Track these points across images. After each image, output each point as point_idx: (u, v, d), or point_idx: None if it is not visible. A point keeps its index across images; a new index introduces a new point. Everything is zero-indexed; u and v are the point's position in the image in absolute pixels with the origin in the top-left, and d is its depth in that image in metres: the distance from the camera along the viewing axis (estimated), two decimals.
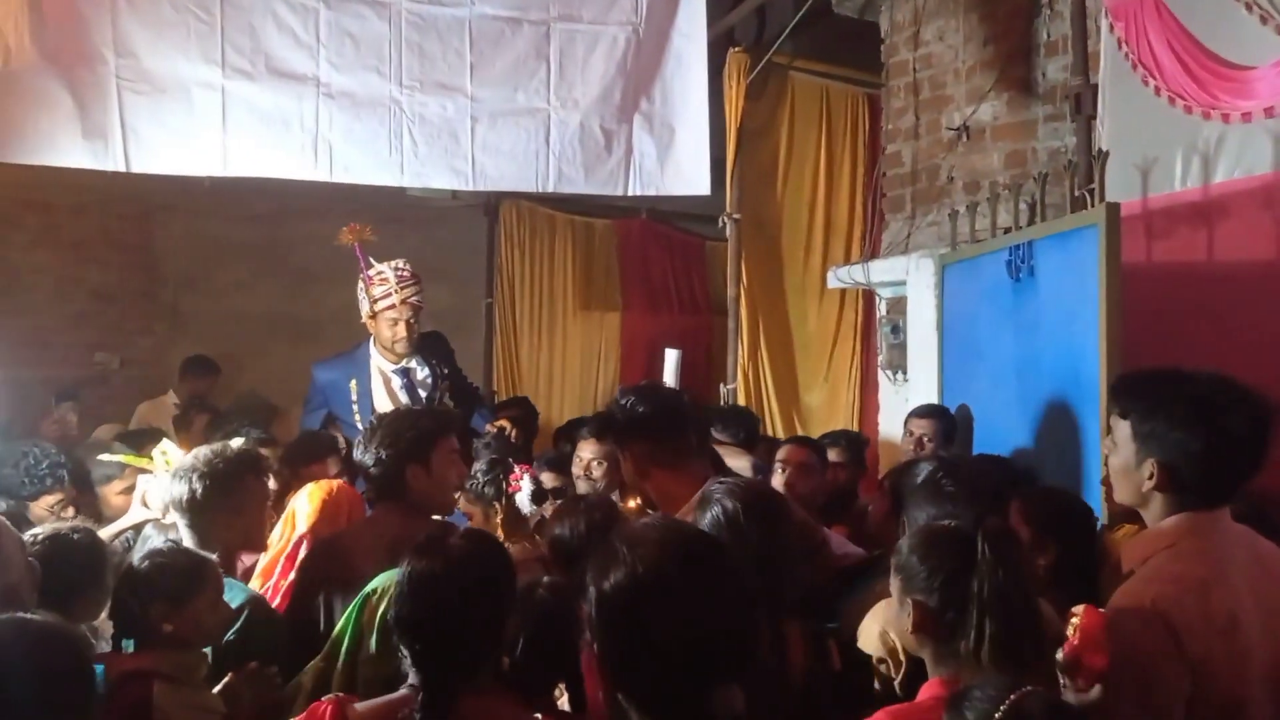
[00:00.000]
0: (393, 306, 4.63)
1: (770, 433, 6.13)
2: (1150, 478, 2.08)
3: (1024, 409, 4.23)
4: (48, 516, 3.68)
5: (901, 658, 2.44)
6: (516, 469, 3.90)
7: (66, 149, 4.05)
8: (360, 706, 1.95)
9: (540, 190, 4.83)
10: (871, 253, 6.07)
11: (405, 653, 1.97)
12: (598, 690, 2.31)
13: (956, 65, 5.70)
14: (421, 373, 4.78)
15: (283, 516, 3.52)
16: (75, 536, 2.61)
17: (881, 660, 2.53)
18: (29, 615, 1.82)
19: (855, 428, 6.05)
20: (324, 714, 1.95)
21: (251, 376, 7.74)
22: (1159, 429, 2.06)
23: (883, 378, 5.91)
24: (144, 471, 3.71)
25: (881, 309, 5.98)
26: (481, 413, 5.15)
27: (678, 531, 1.59)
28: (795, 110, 6.56)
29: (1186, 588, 1.98)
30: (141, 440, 4.28)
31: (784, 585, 2.41)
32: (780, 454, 4.10)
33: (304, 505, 3.48)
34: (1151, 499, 2.11)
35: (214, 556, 2.82)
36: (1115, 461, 2.18)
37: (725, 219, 5.93)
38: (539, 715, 2.08)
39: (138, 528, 3.60)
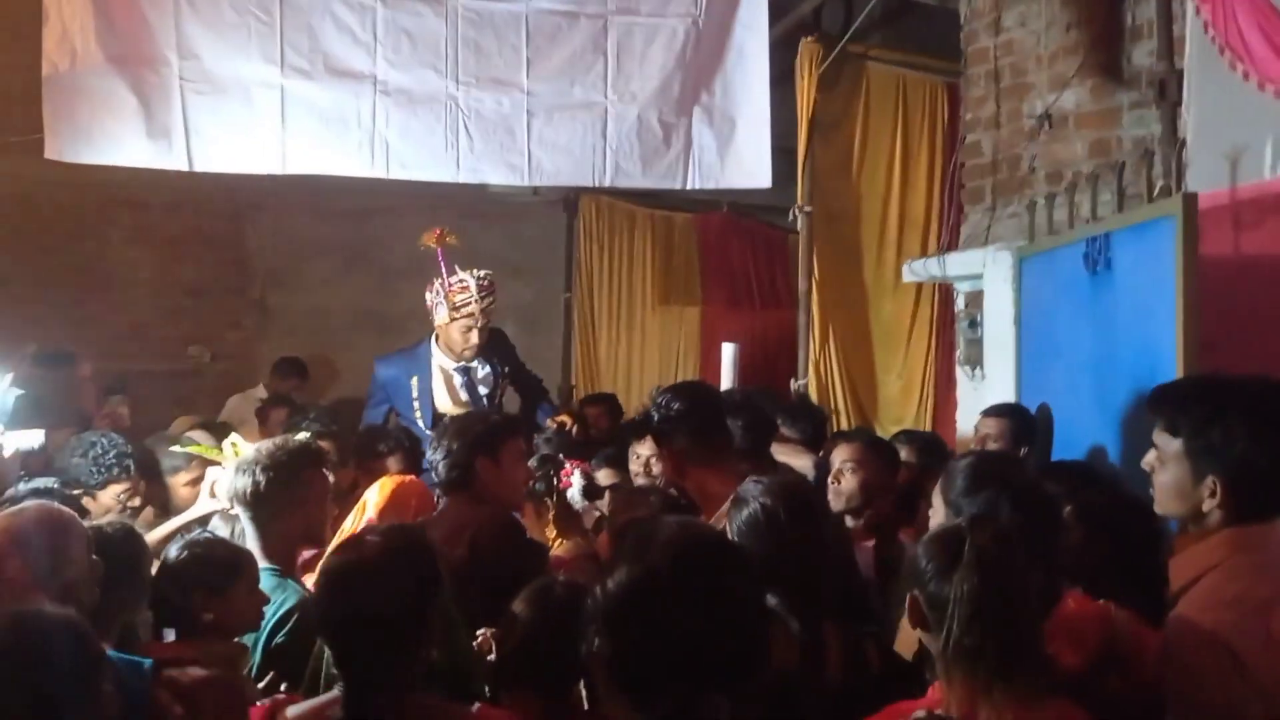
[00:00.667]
0: (471, 315, 4.73)
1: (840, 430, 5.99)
2: (1212, 495, 2.02)
3: (1101, 408, 4.07)
4: (114, 506, 3.79)
5: None
6: (567, 464, 3.88)
7: (131, 148, 4.18)
8: (293, 710, 1.93)
9: (597, 184, 4.80)
10: (949, 245, 5.88)
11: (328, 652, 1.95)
12: None
13: (1039, 51, 5.48)
14: (482, 371, 4.84)
15: (355, 508, 3.58)
16: (110, 531, 2.66)
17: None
18: (37, 608, 1.84)
19: (929, 425, 5.87)
20: (260, 716, 1.95)
21: (337, 371, 7.93)
22: (1217, 444, 2.00)
23: (960, 374, 5.73)
24: (212, 463, 3.80)
25: (959, 303, 5.80)
26: (544, 407, 5.16)
27: (689, 534, 1.56)
28: (870, 100, 6.39)
29: (1247, 610, 1.90)
30: (220, 433, 4.39)
31: (822, 586, 2.36)
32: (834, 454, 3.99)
33: (374, 495, 3.54)
34: (1211, 515, 2.04)
35: (251, 549, 2.87)
36: (1165, 478, 2.11)
37: (796, 212, 5.81)
38: (477, 707, 2.04)
39: (204, 519, 3.69)
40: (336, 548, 2.09)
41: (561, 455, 4.03)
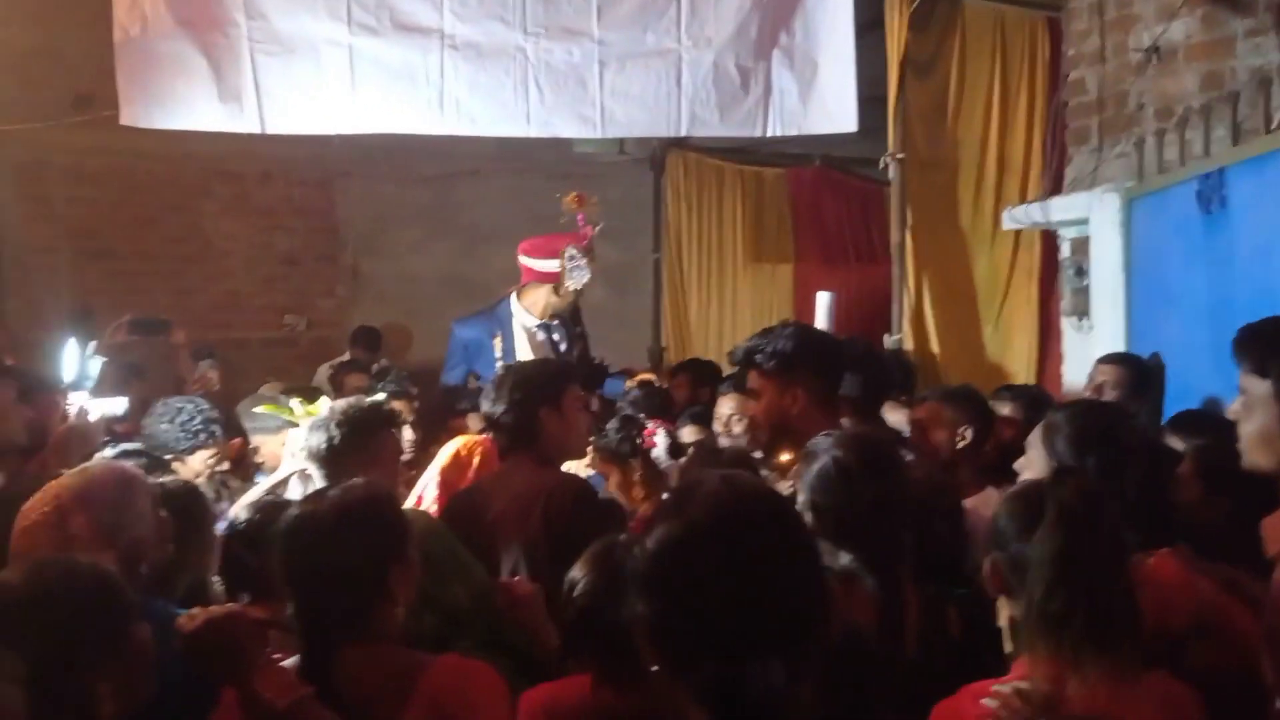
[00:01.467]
0: (578, 288, 4.83)
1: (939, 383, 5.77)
2: None
3: (1217, 358, 3.78)
4: (203, 470, 3.83)
5: None
6: (650, 424, 3.78)
7: (204, 112, 4.20)
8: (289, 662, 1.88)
9: (672, 134, 4.65)
10: (1052, 190, 5.58)
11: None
12: None
13: None
14: (559, 331, 4.79)
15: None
16: (173, 488, 2.65)
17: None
18: (63, 557, 1.83)
19: (1033, 379, 5.60)
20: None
21: (426, 336, 7.97)
22: None
23: (1065, 325, 5.46)
24: (294, 425, 3.81)
25: (1064, 250, 5.51)
26: (615, 378, 5.11)
27: (737, 487, 1.41)
28: (966, 40, 6.07)
29: None
30: (312, 398, 4.42)
31: (899, 544, 2.21)
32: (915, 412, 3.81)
33: (441, 455, 3.51)
34: None
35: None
36: (1251, 427, 1.94)
37: (888, 160, 5.58)
38: (449, 654, 1.97)
39: (286, 480, 3.70)
40: (297, 503, 2.04)
41: (644, 416, 3.94)
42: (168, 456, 3.74)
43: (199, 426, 3.82)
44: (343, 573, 1.86)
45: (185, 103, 4.16)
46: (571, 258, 4.71)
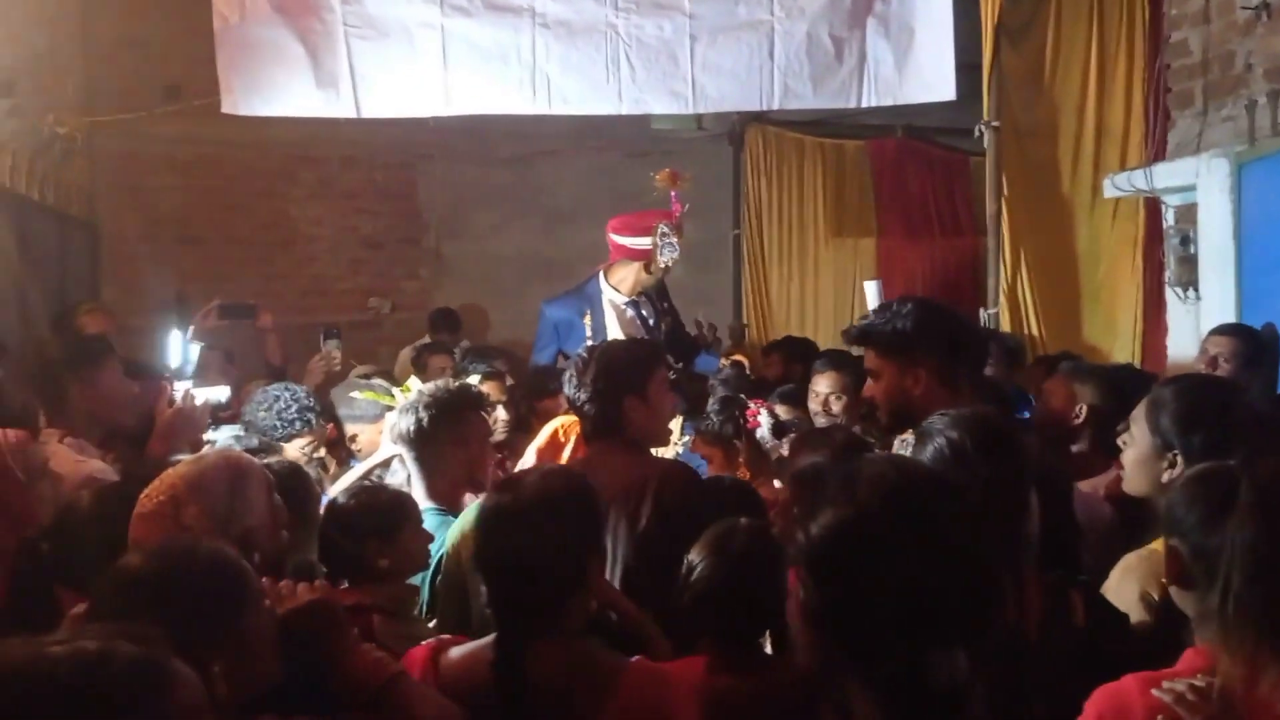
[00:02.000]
0: (666, 265, 4.72)
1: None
2: None
3: None
4: (300, 458, 3.86)
5: None
6: (751, 404, 3.72)
7: (302, 99, 4.22)
8: (455, 652, 1.85)
9: (765, 108, 4.58)
10: (1155, 156, 5.40)
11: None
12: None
13: None
14: (647, 308, 4.75)
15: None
16: (278, 468, 2.66)
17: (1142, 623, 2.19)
18: (189, 541, 1.84)
19: (1137, 353, 5.44)
20: (418, 660, 1.87)
21: (507, 317, 8.00)
22: None
23: (1170, 296, 5.29)
24: (392, 409, 3.83)
25: (1168, 218, 5.33)
26: (709, 353, 5.07)
27: (901, 470, 1.37)
28: (1063, 2, 5.89)
29: None
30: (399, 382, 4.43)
31: (1020, 527, 2.11)
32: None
33: (540, 436, 3.52)
34: None
35: (416, 490, 2.86)
36: None
37: (982, 128, 5.42)
38: (635, 659, 1.91)
39: (386, 463, 3.73)
40: (494, 488, 2.02)
41: (743, 396, 3.89)
42: (269, 440, 3.80)
43: (295, 415, 3.83)
44: (541, 563, 1.83)
45: (283, 89, 4.19)
46: (664, 234, 4.67)
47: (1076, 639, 2.09)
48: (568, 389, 3.03)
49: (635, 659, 1.93)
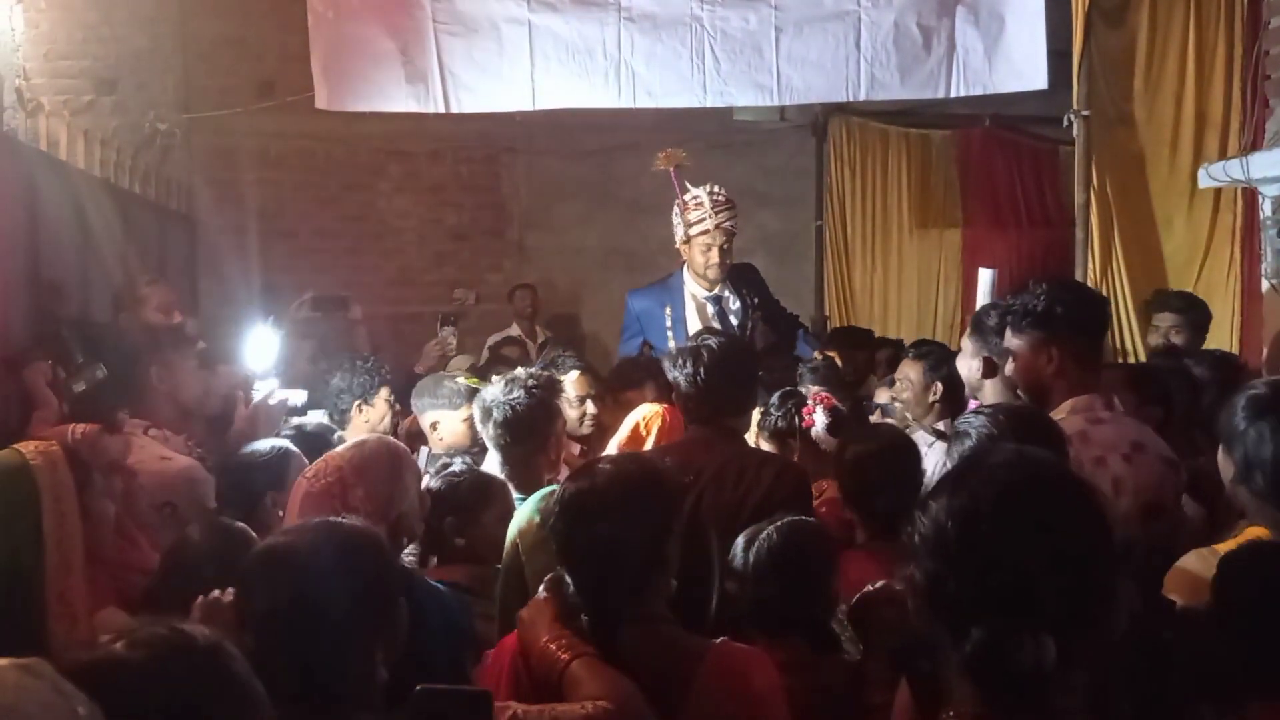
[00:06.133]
0: (706, 232, 4.58)
1: (1130, 357, 5.50)
2: None
3: None
4: (387, 411, 3.95)
5: None
6: (810, 400, 3.68)
7: (393, 95, 4.31)
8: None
9: (851, 99, 4.54)
10: (1252, 145, 5.22)
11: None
12: None
13: None
14: (734, 302, 4.72)
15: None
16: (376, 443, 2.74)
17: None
18: (342, 520, 1.90)
19: (1234, 346, 5.28)
20: (509, 646, 1.91)
21: (590, 308, 8.07)
22: None
23: (1269, 289, 5.11)
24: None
25: (1265, 209, 5.15)
26: (807, 340, 5.01)
27: (1024, 461, 1.39)
28: None
29: None
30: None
31: None
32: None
33: (622, 429, 3.53)
34: None
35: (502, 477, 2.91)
36: None
37: (1072, 117, 5.30)
38: (720, 640, 1.94)
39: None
40: (570, 478, 2.07)
41: (817, 389, 3.85)
42: (352, 406, 3.87)
43: (370, 368, 3.94)
44: (624, 548, 1.87)
45: (375, 85, 4.28)
46: (676, 224, 4.64)
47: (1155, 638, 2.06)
48: (670, 370, 3.06)
49: (720, 640, 1.96)
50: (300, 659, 1.57)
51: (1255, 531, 2.11)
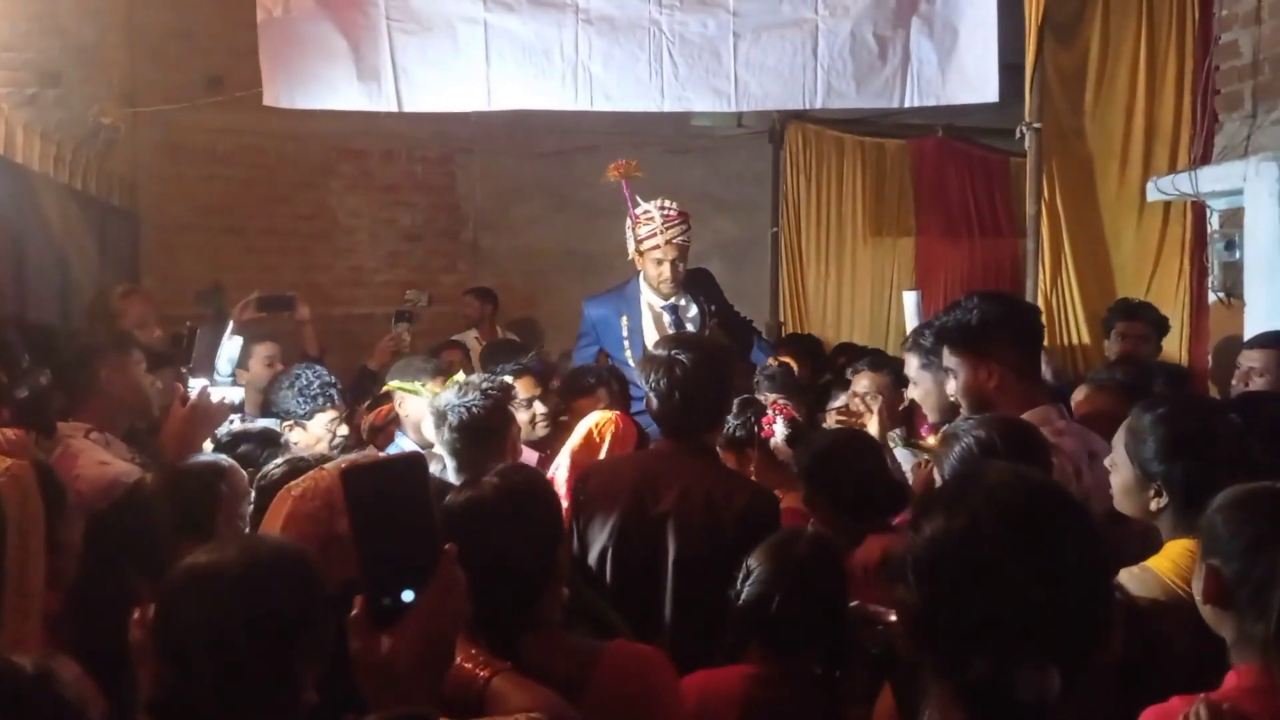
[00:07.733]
0: (657, 247, 4.56)
1: (1079, 368, 5.56)
2: None
3: None
4: (324, 435, 3.90)
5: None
6: (769, 410, 3.65)
7: (344, 92, 4.24)
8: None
9: (808, 107, 4.54)
10: (1201, 159, 5.30)
11: None
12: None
13: None
14: (691, 310, 4.70)
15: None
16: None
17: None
18: (265, 537, 1.84)
19: (1183, 359, 5.35)
20: None
21: (547, 310, 8.01)
22: None
23: (1216, 301, 5.20)
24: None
25: (1213, 222, 5.24)
26: (762, 346, 5.01)
27: (1020, 481, 1.33)
28: (1110, 1, 5.79)
29: None
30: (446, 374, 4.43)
31: None
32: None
33: (574, 435, 3.49)
34: None
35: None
36: None
37: (1024, 129, 5.35)
38: (619, 640, 1.97)
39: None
40: (456, 488, 2.03)
41: (775, 398, 3.83)
42: (289, 422, 3.83)
43: (317, 390, 3.90)
44: (517, 558, 1.86)
45: (325, 83, 4.21)
46: (629, 237, 4.63)
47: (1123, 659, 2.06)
48: (642, 381, 2.99)
49: (614, 641, 1.98)
50: (216, 684, 1.52)
51: (1180, 545, 2.09)
